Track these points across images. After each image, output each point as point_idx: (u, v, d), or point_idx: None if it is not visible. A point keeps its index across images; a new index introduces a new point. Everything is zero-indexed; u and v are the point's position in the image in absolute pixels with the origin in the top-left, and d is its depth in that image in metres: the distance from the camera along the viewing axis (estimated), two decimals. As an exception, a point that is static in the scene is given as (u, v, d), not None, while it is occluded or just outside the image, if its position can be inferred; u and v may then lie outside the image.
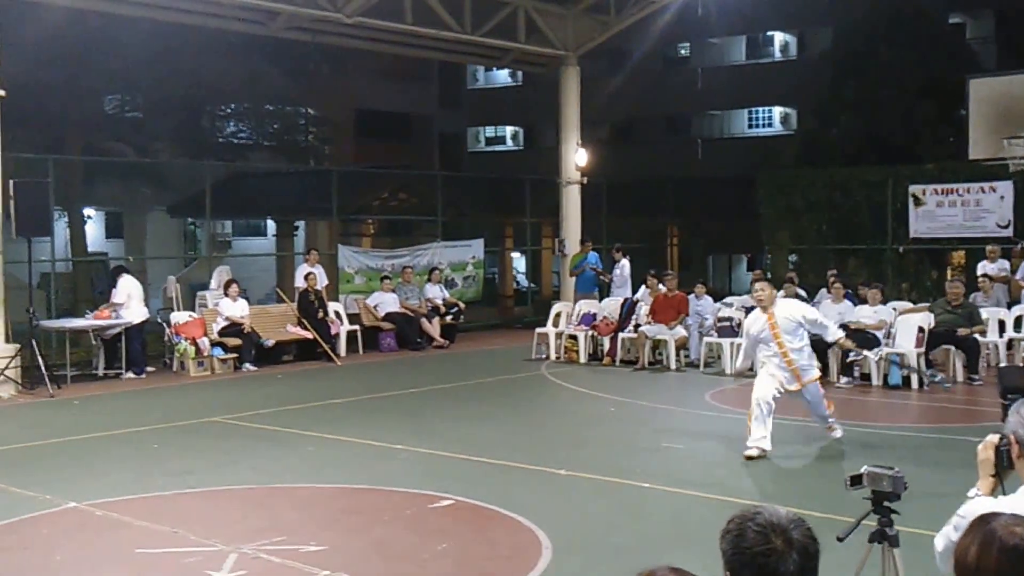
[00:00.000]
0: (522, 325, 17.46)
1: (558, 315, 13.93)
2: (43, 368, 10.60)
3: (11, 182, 10.83)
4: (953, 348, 11.12)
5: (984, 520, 1.97)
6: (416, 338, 14.67)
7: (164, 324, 12.73)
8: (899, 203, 15.96)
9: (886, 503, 3.08)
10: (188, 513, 6.13)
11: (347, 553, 5.34)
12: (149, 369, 12.14)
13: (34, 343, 10.74)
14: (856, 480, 3.08)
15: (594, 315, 13.56)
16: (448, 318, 15.41)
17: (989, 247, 13.39)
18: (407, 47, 16.60)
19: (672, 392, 10.84)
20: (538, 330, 13.90)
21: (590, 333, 13.26)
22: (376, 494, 6.57)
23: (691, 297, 13.06)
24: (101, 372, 12.03)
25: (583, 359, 13.04)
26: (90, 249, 22.59)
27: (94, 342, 12.25)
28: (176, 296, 13.19)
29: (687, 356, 12.74)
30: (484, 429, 8.84)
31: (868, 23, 21.98)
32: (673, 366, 12.32)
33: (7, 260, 11.26)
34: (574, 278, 16.24)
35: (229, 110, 24.46)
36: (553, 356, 13.44)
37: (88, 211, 23.62)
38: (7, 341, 10.95)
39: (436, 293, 15.53)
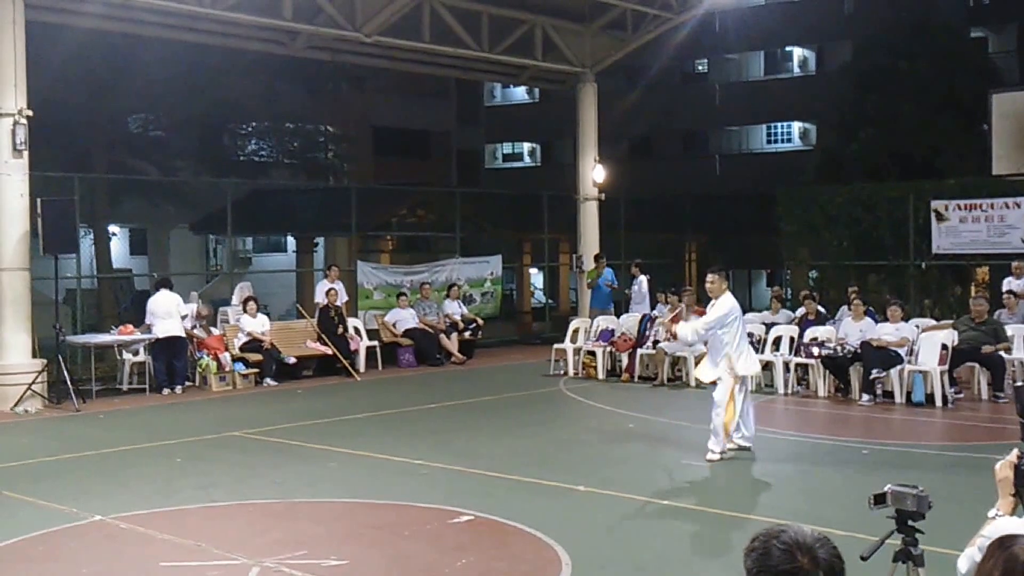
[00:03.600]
0: (540, 341, 17.47)
1: (576, 331, 13.94)
2: (69, 383, 10.72)
3: (38, 200, 11.00)
4: (978, 365, 11.02)
5: (1003, 544, 1.95)
6: (435, 354, 14.72)
7: (188, 340, 12.79)
8: (921, 219, 15.86)
9: (910, 522, 3.03)
10: (211, 527, 6.19)
11: (368, 568, 5.36)
12: (176, 390, 11.88)
13: (60, 358, 10.87)
14: (880, 499, 3.04)
15: (612, 331, 13.55)
16: (467, 334, 15.45)
17: (1015, 263, 13.26)
18: (425, 65, 16.73)
19: (691, 409, 10.79)
20: (556, 346, 13.91)
21: (608, 349, 13.26)
22: (396, 509, 6.59)
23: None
24: (126, 387, 12.15)
25: (601, 375, 13.02)
26: (115, 266, 22.84)
27: (119, 357, 12.38)
28: (194, 312, 13.24)
29: (706, 372, 12.68)
30: (503, 445, 8.85)
31: (888, 37, 21.92)
32: (692, 383, 12.29)
33: (34, 276, 11.42)
34: (590, 292, 16.26)
35: (250, 128, 24.72)
36: (571, 372, 13.43)
37: (113, 228, 23.91)
38: (34, 356, 11.11)
39: (455, 309, 15.59)
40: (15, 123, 10.80)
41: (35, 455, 8.48)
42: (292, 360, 13.10)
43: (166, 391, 11.83)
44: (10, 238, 10.90)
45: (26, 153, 10.94)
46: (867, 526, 4.19)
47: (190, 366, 12.53)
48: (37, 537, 5.95)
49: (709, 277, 8.25)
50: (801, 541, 1.86)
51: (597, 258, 16.60)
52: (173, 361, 11.96)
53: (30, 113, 10.94)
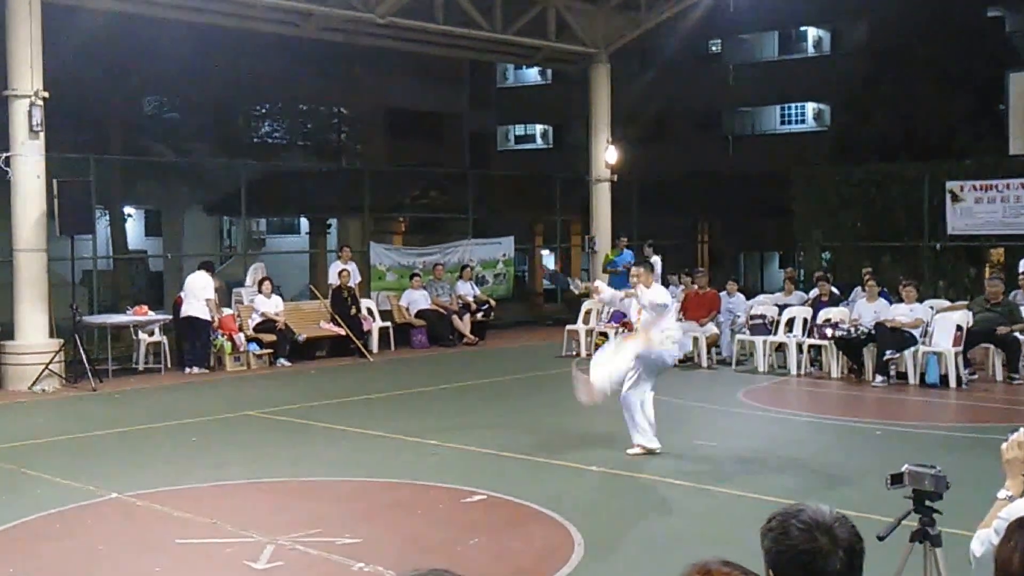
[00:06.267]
0: (552, 322, 17.48)
1: (588, 312, 13.94)
2: (86, 362, 10.81)
3: (55, 181, 11.06)
4: (992, 347, 10.98)
5: (1022, 525, 1.94)
6: (447, 335, 14.76)
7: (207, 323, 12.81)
8: (936, 200, 15.76)
9: (928, 502, 3.04)
10: (226, 505, 6.25)
11: (381, 546, 5.41)
12: (194, 370, 11.90)
13: (77, 338, 10.97)
14: (897, 479, 3.04)
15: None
16: (479, 315, 15.48)
17: None
18: (438, 46, 16.67)
19: (704, 390, 10.81)
20: (568, 327, 13.92)
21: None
22: (409, 488, 6.64)
23: (723, 295, 13.04)
24: (142, 367, 12.25)
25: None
26: (130, 247, 22.95)
27: (134, 337, 12.49)
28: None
29: (719, 354, 12.70)
30: (515, 425, 8.89)
31: (904, 17, 21.67)
32: (705, 364, 12.29)
33: (51, 257, 11.50)
34: (607, 275, 16.22)
35: (263, 110, 24.73)
36: (584, 353, 13.44)
37: (128, 209, 24.00)
38: (51, 336, 11.20)
39: (467, 290, 15.62)
40: (31, 104, 10.85)
41: (52, 433, 8.58)
42: (302, 338, 13.17)
43: (186, 370, 11.94)
44: (27, 219, 10.98)
45: (42, 134, 10.99)
46: (881, 506, 4.20)
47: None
48: (54, 514, 6.03)
49: (635, 271, 7.53)
50: (820, 520, 1.84)
51: (617, 238, 16.58)
52: (195, 342, 12.04)
53: (46, 94, 10.98)
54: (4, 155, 10.95)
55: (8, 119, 10.98)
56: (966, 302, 12.01)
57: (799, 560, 1.82)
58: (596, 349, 13.28)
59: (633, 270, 7.73)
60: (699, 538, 5.61)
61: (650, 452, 7.38)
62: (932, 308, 11.47)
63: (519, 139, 36.18)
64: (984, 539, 2.35)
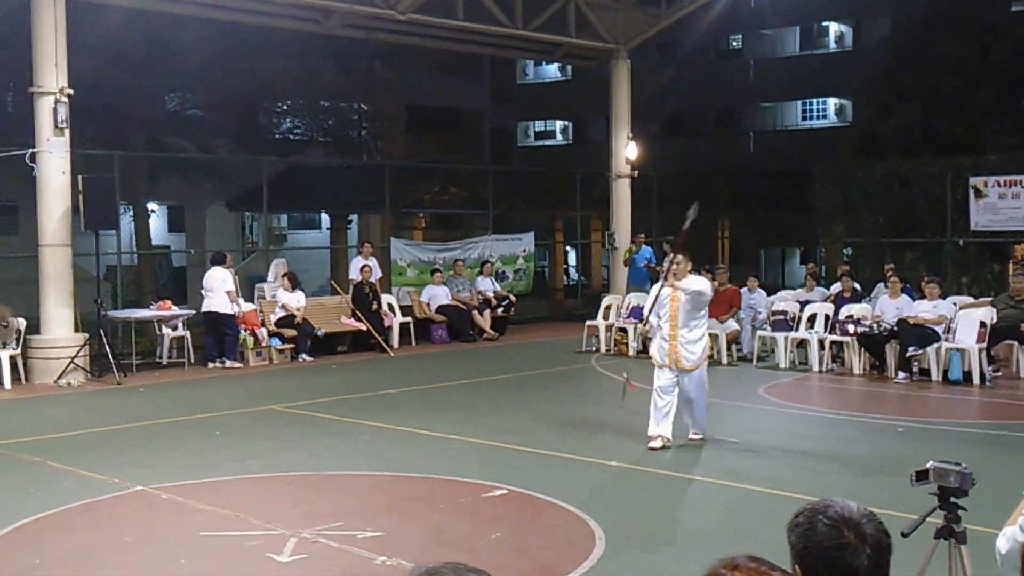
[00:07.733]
0: (572, 318, 17.49)
1: (608, 308, 13.94)
2: (110, 356, 10.94)
3: (80, 177, 11.19)
4: (1016, 343, 10.88)
5: None
6: (467, 330, 14.80)
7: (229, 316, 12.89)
8: (959, 195, 15.62)
9: (953, 499, 3.02)
10: (249, 498, 6.31)
11: (404, 540, 5.44)
12: (217, 364, 12.00)
13: (102, 332, 11.09)
14: (922, 475, 3.02)
15: (643, 308, 13.51)
16: (499, 311, 15.51)
17: None
18: (458, 43, 16.69)
19: (725, 386, 10.77)
20: (588, 323, 13.92)
21: (640, 326, 13.23)
22: (431, 482, 6.67)
23: (743, 291, 12.99)
24: (165, 361, 12.38)
25: (633, 352, 13.02)
26: (153, 242, 23.16)
27: (158, 332, 12.61)
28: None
29: (739, 350, 12.66)
30: (535, 420, 8.90)
31: (926, 11, 21.47)
32: (725, 360, 12.26)
33: (76, 252, 11.64)
34: (626, 269, 16.24)
35: (285, 107, 24.83)
36: (603, 349, 13.45)
37: (151, 205, 24.21)
38: (76, 330, 11.33)
39: (487, 286, 15.65)
40: (56, 101, 10.97)
41: (78, 427, 8.68)
42: (321, 332, 13.24)
43: (211, 364, 12.04)
44: (52, 215, 11.11)
45: (67, 131, 11.11)
46: (904, 503, 4.18)
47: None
48: (81, 506, 6.11)
49: (678, 258, 7.66)
50: (847, 516, 1.83)
51: (635, 235, 16.58)
52: (217, 336, 12.14)
53: (71, 92, 11.09)
54: (30, 151, 11.09)
55: (34, 116, 11.11)
56: (990, 298, 11.90)
57: (826, 556, 1.81)
58: (615, 345, 13.32)
59: (671, 256, 7.74)
60: (721, 533, 5.60)
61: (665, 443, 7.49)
62: (955, 304, 11.38)
63: (539, 135, 36.18)
64: (1010, 536, 2.31)
